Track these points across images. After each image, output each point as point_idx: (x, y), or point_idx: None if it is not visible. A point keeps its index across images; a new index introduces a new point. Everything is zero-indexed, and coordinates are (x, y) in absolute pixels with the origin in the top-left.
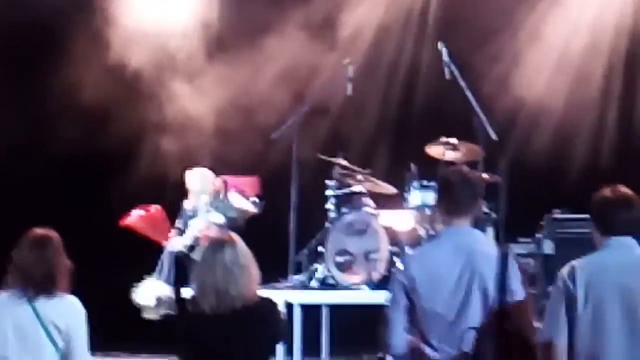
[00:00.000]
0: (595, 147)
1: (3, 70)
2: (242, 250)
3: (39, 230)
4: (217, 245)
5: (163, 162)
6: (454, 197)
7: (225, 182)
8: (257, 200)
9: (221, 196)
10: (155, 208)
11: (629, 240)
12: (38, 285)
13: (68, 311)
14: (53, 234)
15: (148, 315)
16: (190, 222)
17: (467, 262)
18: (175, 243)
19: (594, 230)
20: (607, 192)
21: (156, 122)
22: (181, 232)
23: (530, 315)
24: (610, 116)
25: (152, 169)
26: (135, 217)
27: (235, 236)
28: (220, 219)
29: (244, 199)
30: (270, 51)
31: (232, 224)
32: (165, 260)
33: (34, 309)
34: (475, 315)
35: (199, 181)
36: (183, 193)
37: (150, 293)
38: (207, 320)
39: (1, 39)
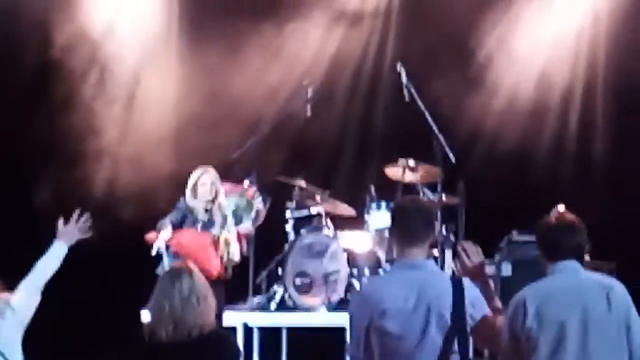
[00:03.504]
0: (553, 169)
1: None
2: (200, 279)
3: None
4: (175, 274)
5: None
6: (408, 227)
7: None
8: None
9: (251, 203)
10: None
11: (574, 264)
12: None
13: None
14: None
15: None
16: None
17: (421, 297)
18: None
19: (541, 256)
20: (551, 218)
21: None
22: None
23: (494, 332)
24: (569, 139)
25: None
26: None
27: (192, 265)
28: (249, 227)
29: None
30: (229, 72)
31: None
32: None
33: None
34: (434, 350)
35: (216, 184)
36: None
37: None
38: (164, 349)
39: None
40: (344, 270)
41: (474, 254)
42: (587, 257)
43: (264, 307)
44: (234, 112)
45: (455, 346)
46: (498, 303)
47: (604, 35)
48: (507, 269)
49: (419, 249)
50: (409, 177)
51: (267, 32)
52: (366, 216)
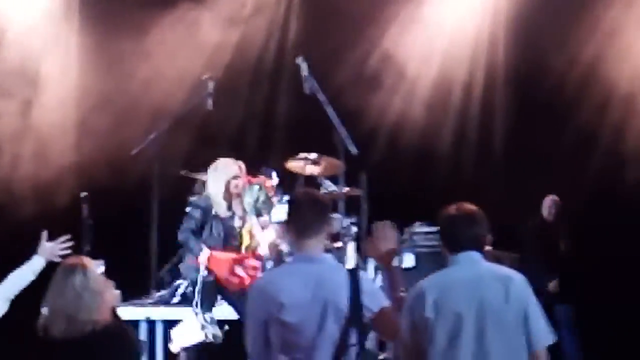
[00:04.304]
0: (455, 161)
1: None
2: (93, 274)
3: None
4: (68, 270)
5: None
6: (302, 220)
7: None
8: None
9: (269, 196)
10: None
11: (474, 255)
12: None
13: None
14: None
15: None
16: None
17: (317, 290)
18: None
19: (442, 246)
20: (452, 209)
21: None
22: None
23: (394, 324)
24: (470, 130)
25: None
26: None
27: (87, 260)
28: (267, 221)
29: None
30: (131, 65)
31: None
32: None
33: None
34: (332, 342)
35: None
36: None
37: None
38: (57, 345)
39: None
40: None
41: (389, 238)
42: (489, 247)
43: (167, 301)
44: (137, 103)
45: (353, 338)
46: (402, 293)
47: (503, 27)
48: (409, 260)
49: (314, 242)
50: (311, 169)
51: (171, 22)
52: None
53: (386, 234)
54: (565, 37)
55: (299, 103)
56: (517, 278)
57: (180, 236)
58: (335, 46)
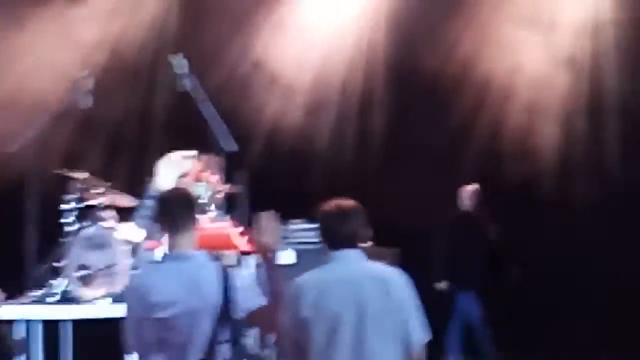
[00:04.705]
0: (335, 158)
1: None
2: None
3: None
4: None
5: None
6: (170, 216)
7: None
8: None
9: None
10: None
11: (353, 252)
12: None
13: None
14: None
15: None
16: None
17: (190, 288)
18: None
19: (322, 244)
20: (328, 206)
21: None
22: None
23: (273, 319)
24: (349, 129)
25: None
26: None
27: None
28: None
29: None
30: (10, 58)
31: None
32: None
33: None
34: (205, 340)
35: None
36: None
37: None
38: None
39: None
40: (126, 261)
41: (271, 230)
42: (370, 243)
43: (46, 300)
44: (15, 98)
45: (226, 335)
46: (282, 288)
47: (383, 24)
48: (290, 257)
49: (184, 238)
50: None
51: (50, 15)
52: None
53: (269, 226)
54: (441, 35)
55: (178, 100)
56: (397, 277)
57: (138, 222)
58: (214, 44)
